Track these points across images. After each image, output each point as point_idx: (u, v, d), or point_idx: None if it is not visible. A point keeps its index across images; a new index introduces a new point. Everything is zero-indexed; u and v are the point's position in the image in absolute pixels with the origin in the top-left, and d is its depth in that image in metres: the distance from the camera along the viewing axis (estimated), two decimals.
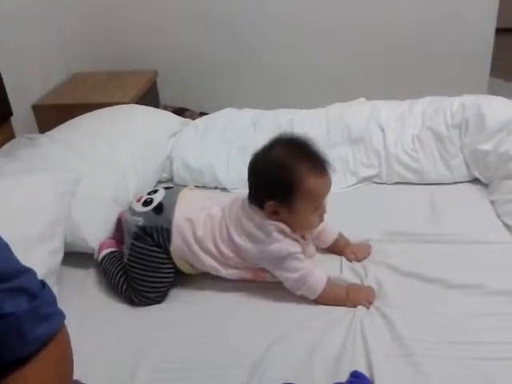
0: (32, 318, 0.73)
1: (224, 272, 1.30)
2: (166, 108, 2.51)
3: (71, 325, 0.88)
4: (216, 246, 1.29)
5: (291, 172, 1.21)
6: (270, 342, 1.12)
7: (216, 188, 1.79)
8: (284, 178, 1.21)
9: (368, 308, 1.21)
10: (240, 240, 1.27)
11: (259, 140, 1.82)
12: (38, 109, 2.28)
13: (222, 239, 1.28)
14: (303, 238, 1.30)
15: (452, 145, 1.74)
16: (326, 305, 1.24)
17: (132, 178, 1.66)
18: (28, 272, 0.76)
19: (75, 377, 0.86)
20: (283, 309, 1.24)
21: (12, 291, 0.71)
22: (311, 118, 1.90)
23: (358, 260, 1.37)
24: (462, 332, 1.12)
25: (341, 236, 1.42)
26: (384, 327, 1.14)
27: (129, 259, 1.32)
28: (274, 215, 1.24)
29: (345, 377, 1.01)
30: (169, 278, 1.31)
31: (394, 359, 1.06)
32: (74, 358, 0.82)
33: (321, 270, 1.27)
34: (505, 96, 1.83)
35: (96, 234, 1.45)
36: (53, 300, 0.79)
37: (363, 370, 1.03)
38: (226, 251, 1.28)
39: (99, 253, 1.41)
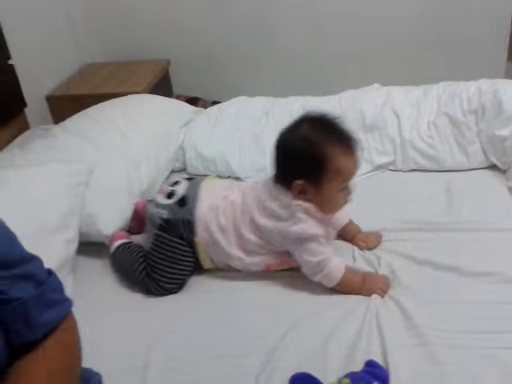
0: (38, 304, 0.73)
1: (248, 260, 1.28)
2: (178, 97, 2.51)
3: (86, 314, 0.89)
4: (238, 231, 1.27)
5: (321, 150, 1.19)
6: (285, 331, 1.12)
7: (229, 177, 1.79)
8: (314, 157, 1.19)
9: (383, 297, 1.20)
10: (262, 221, 1.25)
11: (272, 128, 1.83)
12: (51, 100, 2.29)
13: (244, 224, 1.27)
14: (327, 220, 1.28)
15: (469, 130, 1.71)
16: (342, 292, 1.23)
17: (145, 168, 1.66)
18: (34, 259, 0.77)
19: (88, 365, 0.87)
20: (298, 298, 1.24)
21: (18, 277, 0.72)
22: (324, 105, 1.87)
23: (369, 248, 1.36)
24: (479, 321, 1.11)
25: (351, 222, 1.42)
26: (399, 316, 1.13)
27: (151, 248, 1.32)
28: (301, 195, 1.22)
29: (360, 366, 1.01)
30: (188, 270, 1.31)
31: (409, 348, 1.05)
32: (87, 347, 0.82)
33: (339, 258, 1.26)
34: None
35: (110, 223, 1.45)
36: (60, 287, 0.79)
37: (378, 359, 1.02)
38: (249, 236, 1.26)
39: (111, 242, 1.42)
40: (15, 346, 0.72)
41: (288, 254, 1.28)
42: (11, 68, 1.91)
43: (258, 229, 1.27)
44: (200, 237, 1.29)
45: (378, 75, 2.11)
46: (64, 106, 2.21)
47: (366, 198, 1.53)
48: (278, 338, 1.10)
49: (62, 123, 1.83)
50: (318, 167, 1.19)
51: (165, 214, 1.30)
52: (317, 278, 1.23)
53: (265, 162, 1.75)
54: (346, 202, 1.28)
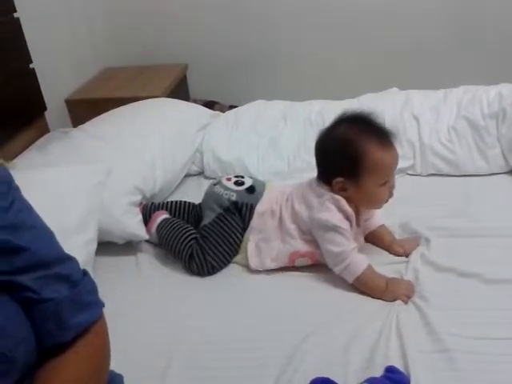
0: (71, 305, 0.73)
1: (281, 246, 1.33)
2: (195, 101, 2.51)
3: (106, 315, 0.89)
4: (281, 216, 1.36)
5: (356, 147, 1.24)
6: (306, 333, 1.12)
7: None
8: (350, 155, 1.25)
9: (406, 303, 1.19)
10: (298, 207, 1.33)
11: (289, 132, 1.83)
12: (70, 103, 2.31)
13: (286, 210, 1.36)
14: (357, 224, 1.34)
15: (489, 135, 1.69)
16: (363, 291, 1.24)
17: (160, 171, 1.67)
18: (70, 260, 0.77)
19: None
20: (320, 301, 1.23)
21: (53, 278, 0.73)
22: (343, 109, 1.86)
23: (407, 254, 1.36)
24: (500, 327, 1.09)
25: (386, 230, 1.42)
26: (420, 322, 1.12)
27: (211, 224, 1.40)
28: (342, 192, 1.28)
29: (380, 371, 1.00)
30: (231, 256, 1.39)
31: (429, 354, 1.04)
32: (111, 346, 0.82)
33: (363, 255, 1.28)
34: None
35: (124, 224, 1.45)
36: (93, 289, 0.79)
37: (398, 364, 1.01)
38: (287, 220, 1.34)
39: (154, 220, 1.49)
40: (46, 346, 0.73)
41: (316, 245, 1.32)
42: (32, 72, 1.93)
43: (294, 214, 1.34)
44: (255, 219, 1.38)
45: (397, 78, 2.09)
46: (83, 109, 2.23)
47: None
48: (299, 341, 1.10)
49: (80, 126, 1.85)
50: (355, 164, 1.24)
51: (234, 196, 1.40)
52: (338, 270, 1.26)
53: (283, 165, 1.76)
54: (390, 195, 1.31)
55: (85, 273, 0.79)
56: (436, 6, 2.57)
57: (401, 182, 1.67)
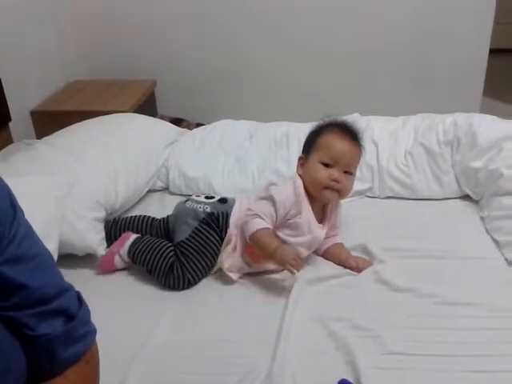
0: (64, 341, 0.71)
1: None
2: (162, 118, 2.53)
3: None
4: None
5: (319, 130, 1.46)
6: (261, 349, 1.13)
7: None
8: (312, 134, 1.48)
9: (293, 273, 1.28)
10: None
11: (255, 152, 1.87)
12: (36, 115, 2.29)
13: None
14: (322, 221, 1.45)
15: (444, 161, 1.76)
16: (257, 250, 1.35)
17: (122, 186, 1.67)
18: (68, 291, 0.74)
19: None
20: (270, 318, 1.24)
21: (50, 313, 0.70)
22: (307, 131, 1.91)
23: (359, 270, 1.40)
24: (452, 346, 1.13)
25: (343, 247, 1.49)
26: (374, 340, 1.15)
27: (187, 239, 1.41)
28: (301, 168, 1.46)
29: None
30: (206, 271, 1.41)
31: (383, 371, 1.07)
32: None
33: (266, 224, 1.35)
34: (497, 116, 1.86)
35: (85, 236, 1.46)
36: (87, 317, 0.77)
37: (351, 379, 1.03)
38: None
39: (125, 241, 1.47)
40: (35, 375, 0.71)
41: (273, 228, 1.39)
42: None
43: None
44: (232, 228, 1.43)
45: (358, 105, 2.16)
46: (48, 122, 2.21)
47: (343, 223, 1.56)
48: (256, 356, 1.11)
49: (45, 138, 1.84)
50: (312, 141, 1.46)
51: (208, 208, 1.46)
52: (242, 222, 1.39)
53: (248, 183, 1.78)
54: (331, 184, 1.39)
55: (80, 300, 0.76)
56: (397, 39, 2.68)
57: (359, 204, 1.75)
